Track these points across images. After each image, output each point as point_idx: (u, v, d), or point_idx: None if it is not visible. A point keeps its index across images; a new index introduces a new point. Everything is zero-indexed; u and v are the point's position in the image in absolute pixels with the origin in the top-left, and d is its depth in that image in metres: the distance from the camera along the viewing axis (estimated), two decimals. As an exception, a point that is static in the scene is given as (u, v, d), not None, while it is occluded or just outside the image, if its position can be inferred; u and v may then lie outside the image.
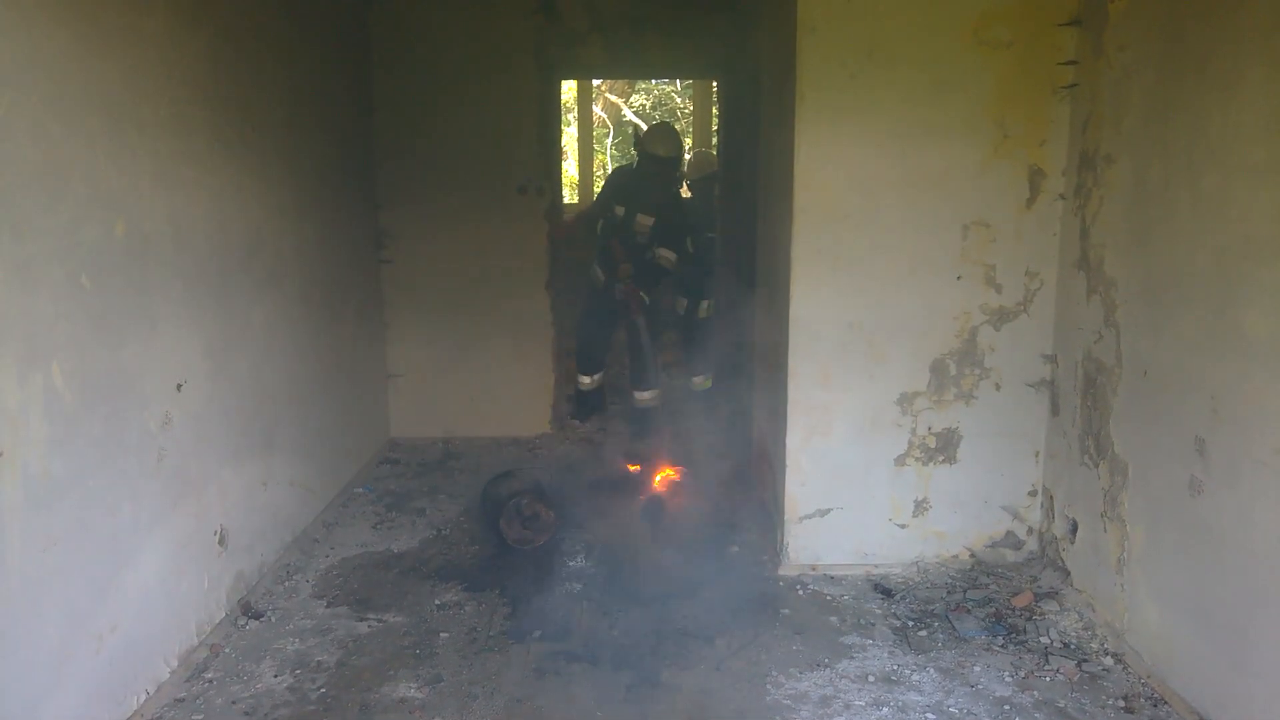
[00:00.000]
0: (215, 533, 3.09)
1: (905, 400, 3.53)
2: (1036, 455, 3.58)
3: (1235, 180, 2.45)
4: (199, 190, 2.99)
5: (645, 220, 5.25)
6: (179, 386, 2.83)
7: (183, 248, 2.88)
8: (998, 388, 3.53)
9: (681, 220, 5.37)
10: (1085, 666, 2.91)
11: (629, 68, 6.36)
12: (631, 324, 5.32)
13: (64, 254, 2.27)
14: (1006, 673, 2.89)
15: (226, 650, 3.00)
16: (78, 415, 2.31)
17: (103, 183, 2.45)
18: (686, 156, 5.62)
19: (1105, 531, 3.09)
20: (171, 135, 2.81)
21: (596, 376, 5.63)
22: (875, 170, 3.39)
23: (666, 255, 5.27)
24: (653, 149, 5.22)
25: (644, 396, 5.42)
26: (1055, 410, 3.49)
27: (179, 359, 2.85)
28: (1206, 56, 2.57)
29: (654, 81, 14.93)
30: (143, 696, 2.61)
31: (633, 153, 5.80)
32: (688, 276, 5.84)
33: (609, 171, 14.18)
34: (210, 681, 2.83)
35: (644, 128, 5.58)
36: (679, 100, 15.24)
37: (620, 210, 5.31)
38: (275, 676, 2.87)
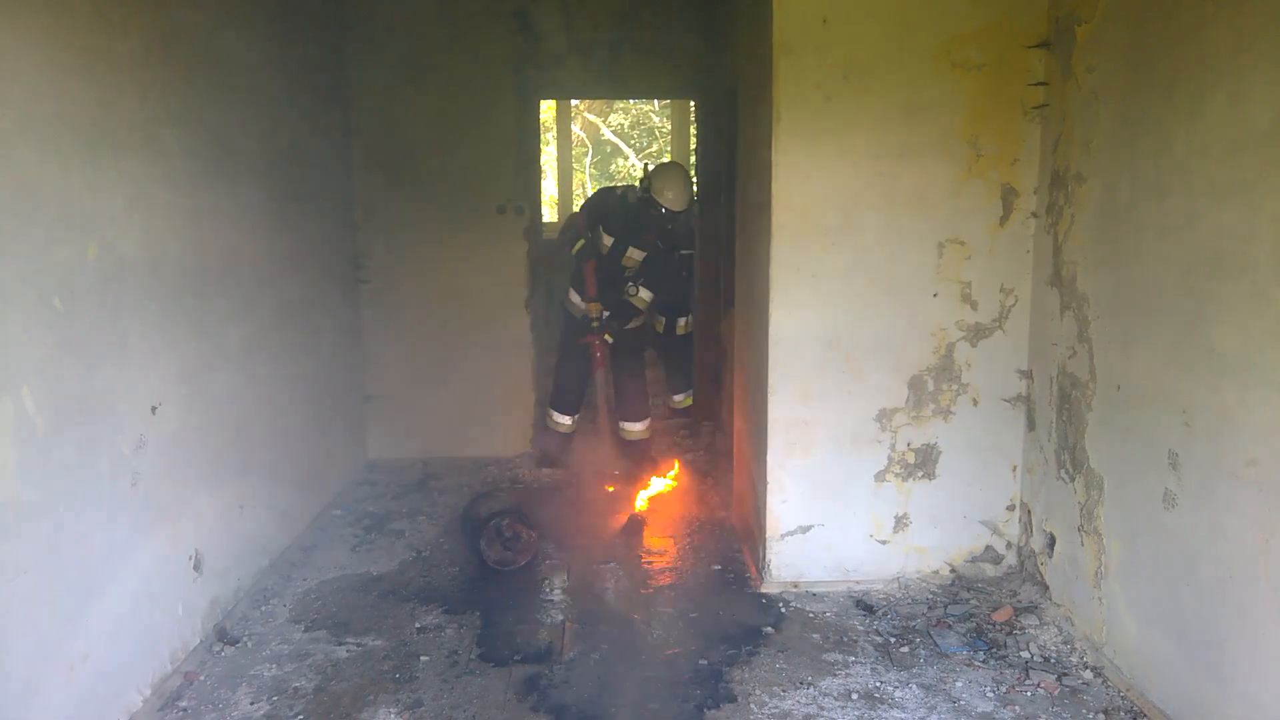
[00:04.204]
0: (190, 558, 3.04)
1: (884, 416, 3.55)
2: (1014, 470, 3.61)
3: (1201, 200, 2.50)
4: (174, 212, 2.97)
5: (636, 255, 4.97)
6: (153, 409, 2.80)
7: (157, 270, 2.85)
8: (975, 403, 3.57)
9: (672, 258, 5.05)
10: (1065, 680, 2.92)
11: (607, 88, 6.40)
12: (589, 370, 5.03)
13: (35, 276, 2.25)
14: (988, 688, 2.89)
15: (202, 678, 2.95)
16: (49, 440, 2.28)
17: (75, 205, 2.43)
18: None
19: (1082, 545, 3.12)
20: (146, 157, 2.80)
21: (575, 419, 5.17)
22: (852, 189, 3.43)
23: (642, 297, 4.94)
24: (665, 200, 4.76)
25: (634, 429, 5.16)
26: (1031, 425, 3.52)
27: (153, 382, 2.81)
28: (1172, 80, 2.63)
29: (632, 101, 15.03)
30: (115, 727, 2.56)
31: (611, 171, 5.69)
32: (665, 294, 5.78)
33: (587, 190, 14.24)
34: (185, 710, 2.77)
35: (651, 166, 5.04)
36: (657, 120, 15.35)
37: (609, 240, 5.02)
38: (252, 704, 2.82)
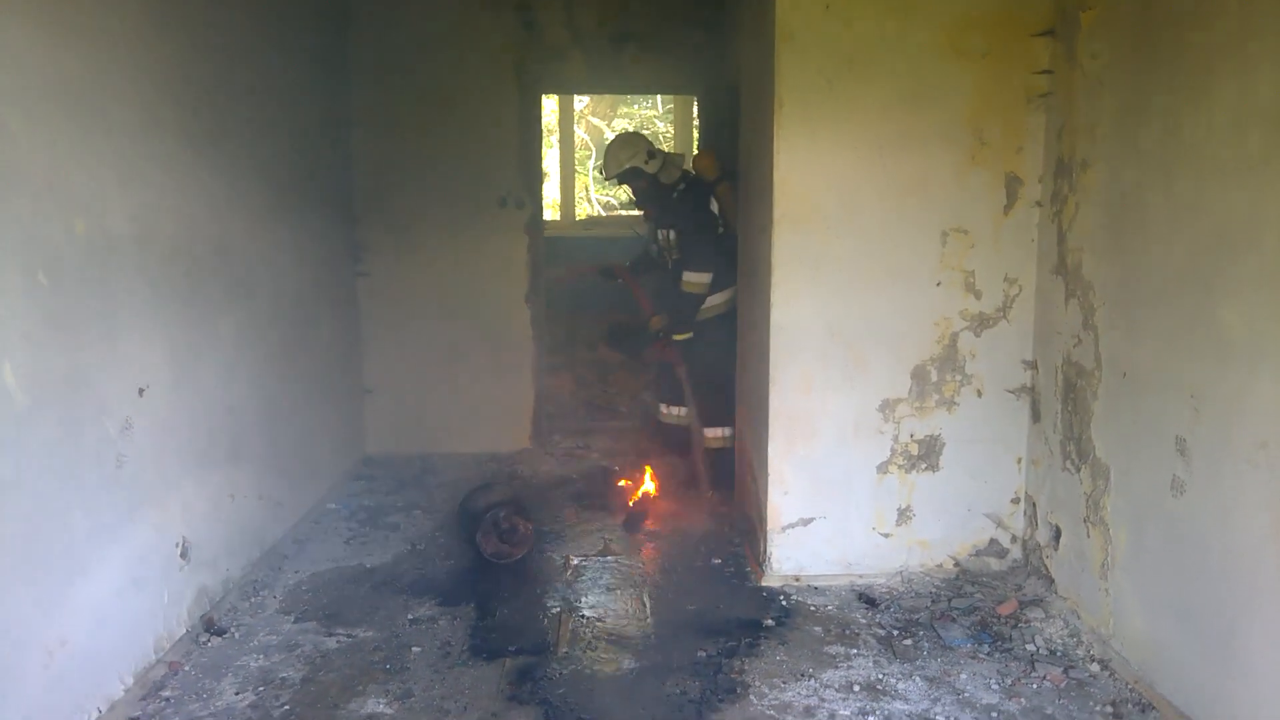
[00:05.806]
0: (177, 545, 2.99)
1: (887, 407, 3.49)
2: (1019, 462, 3.55)
3: (1208, 181, 2.45)
4: (166, 193, 2.93)
5: (667, 237, 4.72)
6: (141, 391, 2.75)
7: (148, 250, 2.81)
8: (979, 394, 3.51)
9: (701, 227, 4.63)
10: (1072, 673, 2.85)
11: (609, 83, 6.37)
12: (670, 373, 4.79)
13: (19, 250, 2.20)
14: (993, 680, 2.83)
15: (186, 667, 2.89)
16: (30, 416, 2.23)
17: (64, 180, 2.39)
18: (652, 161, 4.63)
19: (1088, 537, 3.05)
20: (139, 136, 2.76)
21: (682, 410, 4.80)
22: (855, 177, 3.38)
23: (690, 280, 4.51)
24: (606, 172, 4.75)
25: (709, 435, 4.80)
26: (1036, 416, 3.46)
27: (142, 363, 2.76)
28: (1177, 64, 2.58)
29: (636, 105, 15.03)
30: (94, 715, 2.49)
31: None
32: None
33: (590, 192, 14.21)
34: (167, 700, 2.71)
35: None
36: (660, 125, 15.34)
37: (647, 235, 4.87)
38: (237, 694, 2.76)
